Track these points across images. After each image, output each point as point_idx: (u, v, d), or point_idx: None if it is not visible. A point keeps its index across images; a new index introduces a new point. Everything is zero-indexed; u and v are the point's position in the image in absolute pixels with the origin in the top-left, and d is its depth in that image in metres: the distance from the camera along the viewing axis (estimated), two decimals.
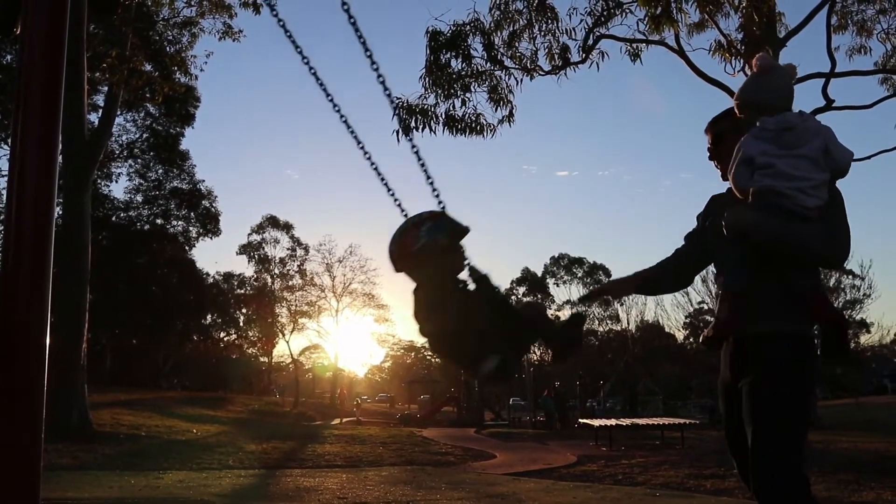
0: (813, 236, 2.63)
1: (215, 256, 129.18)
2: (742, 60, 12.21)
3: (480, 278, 2.45)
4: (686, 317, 43.98)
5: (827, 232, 2.66)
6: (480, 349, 2.37)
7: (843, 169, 2.70)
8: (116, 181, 39.42)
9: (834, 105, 12.97)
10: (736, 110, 2.90)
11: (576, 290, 63.21)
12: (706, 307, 40.12)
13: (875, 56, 15.21)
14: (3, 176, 31.98)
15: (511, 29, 12.20)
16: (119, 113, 27.22)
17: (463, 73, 12.10)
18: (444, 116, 12.08)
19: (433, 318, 2.43)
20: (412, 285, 2.49)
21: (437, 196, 2.61)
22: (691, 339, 49.31)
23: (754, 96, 2.81)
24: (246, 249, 49.00)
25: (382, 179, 2.79)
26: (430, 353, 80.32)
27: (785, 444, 2.60)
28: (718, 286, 3.00)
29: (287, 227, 49.25)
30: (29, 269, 2.50)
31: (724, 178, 3.05)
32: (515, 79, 12.41)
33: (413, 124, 11.73)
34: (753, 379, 2.69)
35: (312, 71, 2.87)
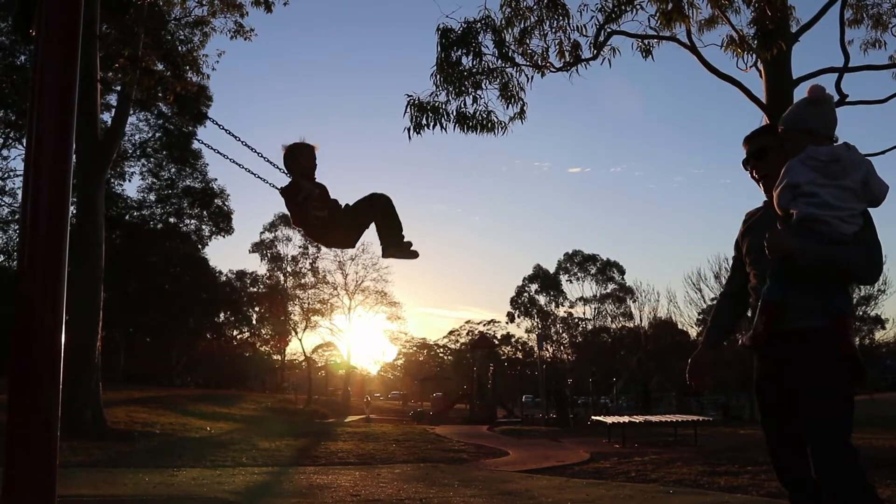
0: (854, 258, 2.87)
1: (228, 255, 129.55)
2: (754, 56, 12.11)
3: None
4: (699, 313, 43.69)
5: (865, 253, 2.89)
6: None
7: (879, 200, 2.95)
8: (129, 180, 39.65)
9: (848, 100, 12.85)
10: (782, 132, 3.08)
11: (588, 287, 63.14)
12: None
13: (890, 50, 15.05)
14: (18, 175, 32.24)
15: (522, 26, 12.15)
16: (132, 112, 27.35)
17: (474, 70, 12.08)
18: (455, 114, 12.06)
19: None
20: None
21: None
22: None
23: (806, 124, 3.01)
24: (258, 247, 49.14)
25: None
26: (443, 351, 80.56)
27: (838, 430, 2.78)
28: (754, 293, 3.13)
29: None
30: (44, 268, 2.53)
31: (767, 191, 3.21)
32: (526, 76, 12.36)
33: (424, 122, 11.72)
34: (800, 375, 2.86)
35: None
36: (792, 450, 2.98)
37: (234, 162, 3.69)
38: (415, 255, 3.66)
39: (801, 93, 13.50)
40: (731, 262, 3.49)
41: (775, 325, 2.87)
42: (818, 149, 2.92)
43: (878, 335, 52.57)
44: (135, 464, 10.76)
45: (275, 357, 61.82)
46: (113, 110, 20.98)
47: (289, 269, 49.13)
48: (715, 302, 3.54)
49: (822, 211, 2.84)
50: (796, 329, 2.86)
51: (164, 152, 38.71)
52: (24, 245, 2.54)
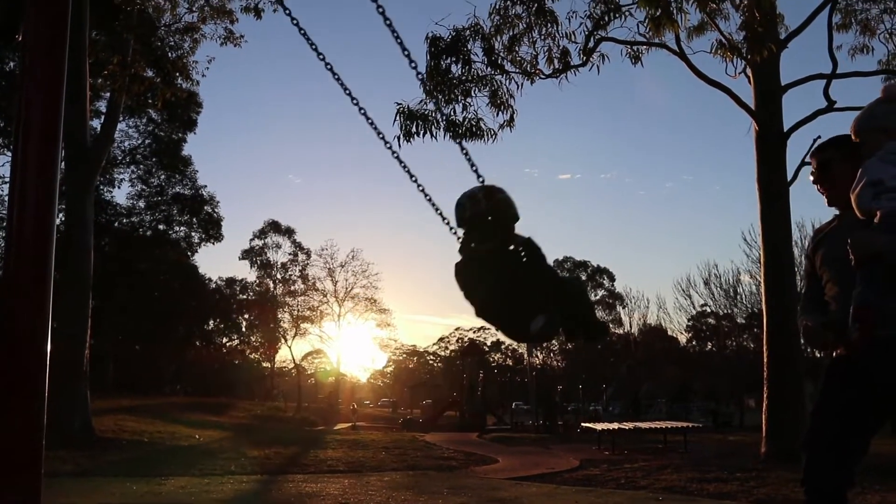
0: None
1: (218, 262, 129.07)
2: (743, 62, 12.19)
3: (533, 251, 2.70)
4: (689, 320, 43.85)
5: None
6: (529, 309, 2.61)
7: None
8: (119, 187, 39.48)
9: (836, 106, 12.96)
10: (856, 135, 3.00)
11: None
12: (709, 310, 40.05)
13: (878, 55, 15.21)
14: (4, 182, 32.07)
15: (511, 33, 12.19)
16: (121, 119, 27.25)
17: (463, 77, 12.10)
18: (444, 121, 12.08)
19: (486, 280, 2.68)
20: (461, 254, 2.81)
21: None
22: (694, 343, 49.23)
23: (882, 122, 2.92)
24: (248, 254, 49.12)
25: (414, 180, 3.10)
26: (433, 359, 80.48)
27: None
28: (835, 302, 3.04)
29: (289, 232, 49.39)
30: (30, 275, 2.51)
31: (831, 203, 3.22)
32: (516, 83, 12.40)
33: (414, 130, 11.73)
34: None
35: (329, 66, 3.20)
36: (836, 458, 2.91)
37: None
38: None
39: (789, 99, 13.63)
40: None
41: (874, 330, 2.73)
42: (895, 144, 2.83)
43: None
44: (123, 473, 10.69)
45: (264, 364, 61.66)
46: (102, 117, 20.93)
47: (278, 276, 49.12)
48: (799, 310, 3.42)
49: None
50: (894, 336, 2.74)
51: (154, 159, 38.60)
52: (10, 252, 2.52)
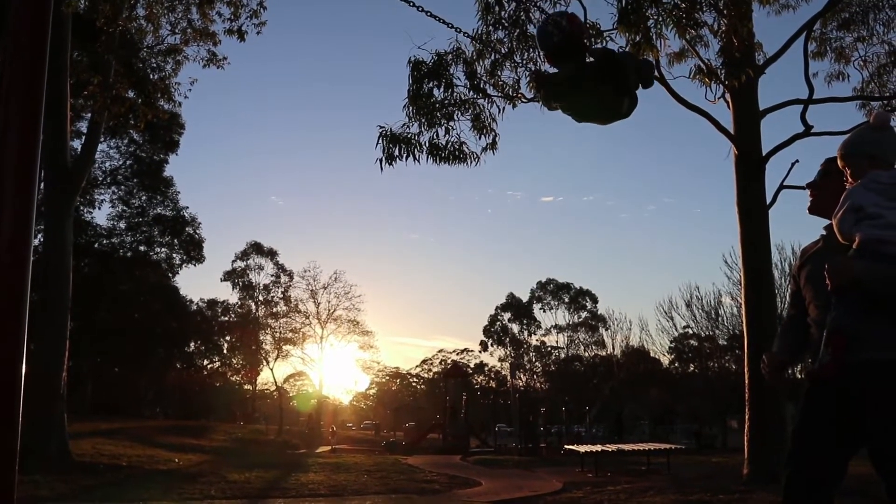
0: None
1: (199, 283, 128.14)
2: (722, 87, 12.33)
3: (606, 55, 3.51)
4: (671, 342, 43.97)
5: None
6: (617, 97, 3.45)
7: None
8: (99, 208, 39.38)
9: (813, 131, 13.14)
10: (842, 158, 3.03)
11: (562, 316, 63.32)
12: (691, 332, 40.20)
13: (853, 82, 15.49)
14: None
15: (493, 58, 12.26)
16: (102, 140, 27.19)
17: (446, 101, 12.13)
18: (427, 145, 12.09)
19: (579, 90, 3.49)
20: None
21: None
22: (677, 364, 49.36)
23: (869, 148, 2.96)
24: (230, 276, 48.89)
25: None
26: (416, 381, 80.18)
27: None
28: (815, 325, 3.04)
29: (271, 254, 49.24)
30: (5, 297, 2.48)
31: (811, 209, 3.29)
32: (498, 107, 12.43)
33: (396, 153, 11.74)
34: (877, 411, 2.76)
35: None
36: (816, 479, 2.93)
37: None
38: None
39: (767, 123, 13.80)
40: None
41: (845, 356, 2.75)
42: (879, 172, 2.86)
43: None
44: (100, 498, 10.53)
45: (245, 387, 61.11)
46: (83, 137, 20.83)
47: (260, 297, 48.89)
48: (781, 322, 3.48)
49: (887, 232, 2.73)
50: (871, 360, 2.74)
51: (135, 180, 38.45)
52: None
